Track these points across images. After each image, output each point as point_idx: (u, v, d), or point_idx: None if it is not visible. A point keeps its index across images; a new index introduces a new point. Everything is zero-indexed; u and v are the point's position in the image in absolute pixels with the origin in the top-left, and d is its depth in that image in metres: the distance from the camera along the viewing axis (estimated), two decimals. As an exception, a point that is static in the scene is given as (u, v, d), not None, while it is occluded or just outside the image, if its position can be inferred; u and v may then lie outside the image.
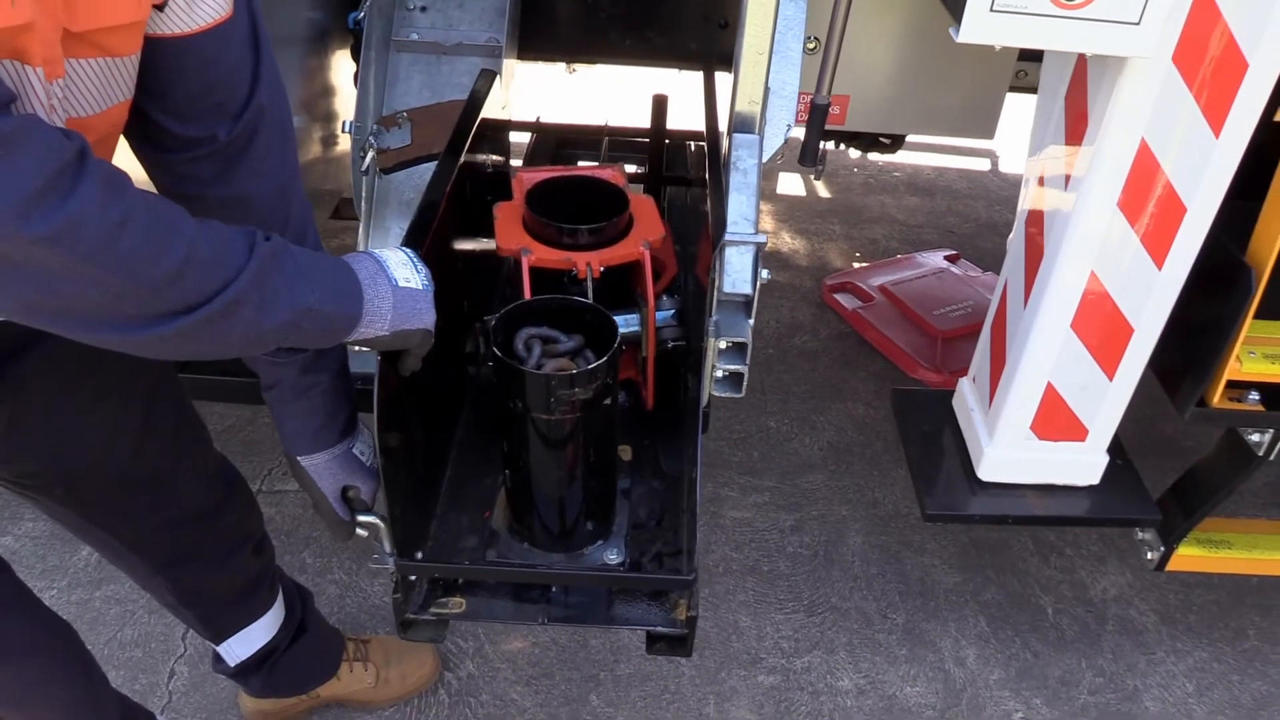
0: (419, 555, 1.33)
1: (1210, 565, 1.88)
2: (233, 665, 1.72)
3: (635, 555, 1.37)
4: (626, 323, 1.45)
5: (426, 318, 1.11)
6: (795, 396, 2.74)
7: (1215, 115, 1.39)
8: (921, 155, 3.88)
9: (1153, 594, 2.29)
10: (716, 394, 1.60)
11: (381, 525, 1.28)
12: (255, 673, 1.74)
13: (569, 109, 3.66)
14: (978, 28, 1.25)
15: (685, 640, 1.31)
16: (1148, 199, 1.47)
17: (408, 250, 1.14)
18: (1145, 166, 1.44)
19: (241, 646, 1.70)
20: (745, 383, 1.76)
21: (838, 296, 3.07)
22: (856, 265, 3.26)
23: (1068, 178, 1.53)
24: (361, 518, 1.32)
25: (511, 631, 2.07)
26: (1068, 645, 2.16)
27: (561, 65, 3.10)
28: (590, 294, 1.39)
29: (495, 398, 1.27)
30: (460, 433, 1.57)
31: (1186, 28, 1.31)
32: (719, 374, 1.56)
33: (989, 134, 2.07)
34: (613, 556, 1.36)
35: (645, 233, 1.48)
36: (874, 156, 3.80)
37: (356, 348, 1.11)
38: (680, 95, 2.09)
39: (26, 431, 1.20)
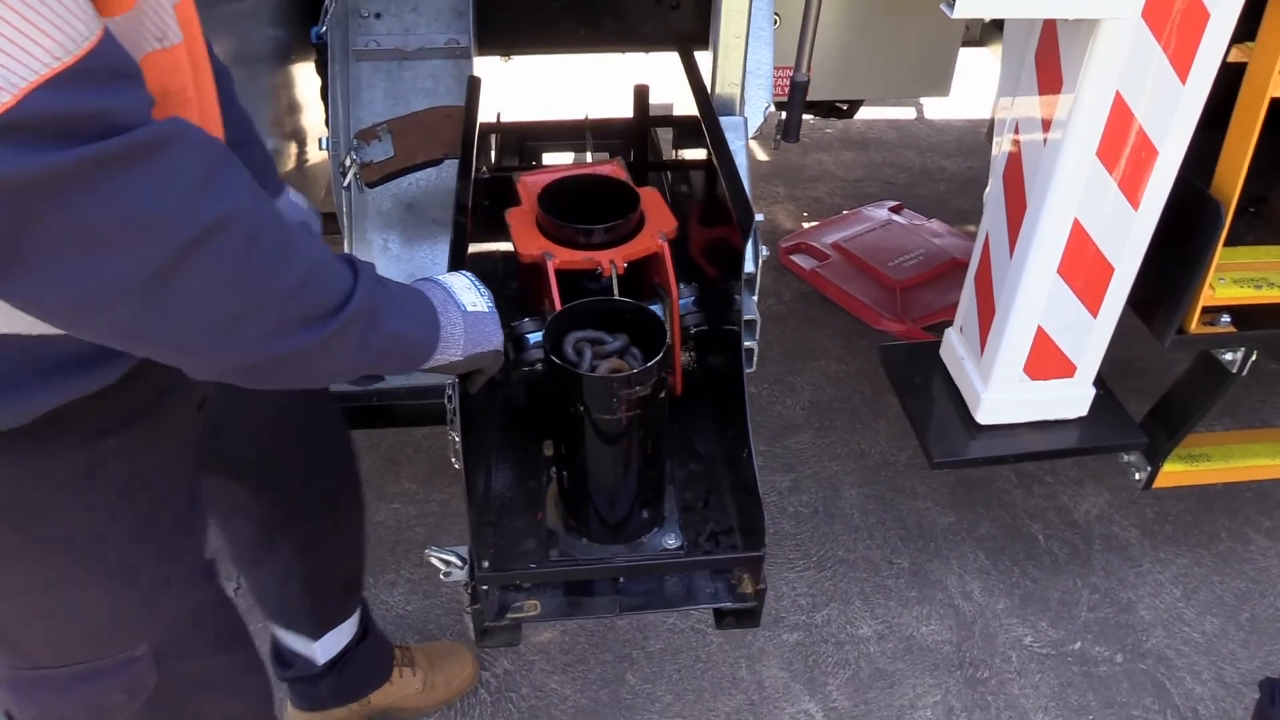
0: (485, 564, 1.36)
1: (1192, 478, 2.02)
2: (321, 663, 1.71)
3: (691, 537, 1.42)
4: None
5: (495, 339, 1.14)
6: (770, 360, 2.82)
7: (1182, 64, 1.49)
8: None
9: (1131, 510, 2.44)
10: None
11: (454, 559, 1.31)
12: (327, 676, 1.74)
13: (519, 102, 3.64)
14: (972, 1, 1.32)
15: (755, 612, 1.37)
16: (1123, 146, 1.57)
17: (468, 274, 1.16)
18: (1120, 117, 1.54)
19: (334, 642, 1.71)
20: (755, 357, 1.82)
21: (794, 258, 3.15)
22: (806, 225, 3.34)
23: (1045, 134, 1.61)
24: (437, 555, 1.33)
25: (539, 624, 2.11)
26: (1062, 568, 2.29)
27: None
28: (616, 290, 1.43)
29: (548, 402, 1.31)
30: (492, 436, 1.59)
31: (1154, -16, 1.40)
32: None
33: (945, 91, 2.15)
34: (671, 541, 1.41)
35: (659, 224, 1.51)
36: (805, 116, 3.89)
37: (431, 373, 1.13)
38: (626, 80, 2.11)
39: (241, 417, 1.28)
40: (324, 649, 1.71)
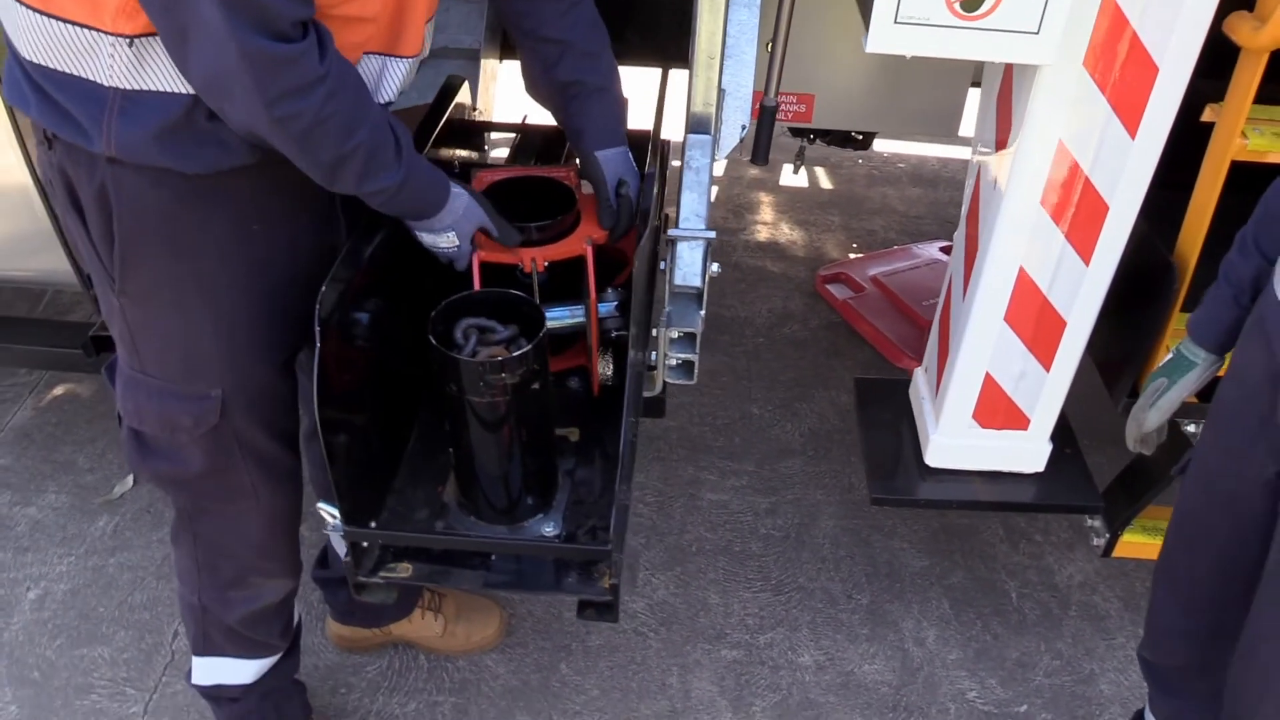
0: (373, 524, 1.45)
1: (1154, 552, 1.93)
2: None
3: (571, 529, 1.47)
4: (573, 314, 1.55)
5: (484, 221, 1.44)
6: (780, 384, 2.82)
7: (1130, 117, 1.45)
8: (928, 146, 3.92)
9: (1119, 581, 2.34)
10: (670, 380, 1.70)
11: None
12: (344, 586, 1.86)
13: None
14: (884, 38, 1.33)
15: (611, 606, 1.41)
16: (1070, 197, 1.54)
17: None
18: (1065, 166, 1.51)
19: None
20: (695, 370, 1.86)
21: (830, 287, 3.14)
22: (852, 256, 3.32)
23: (995, 179, 1.60)
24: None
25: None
26: (1028, 628, 2.22)
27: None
28: (536, 289, 1.49)
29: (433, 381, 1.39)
30: (424, 410, 1.68)
31: (1095, 34, 1.38)
32: (672, 362, 1.66)
33: (951, 133, 2.12)
34: (549, 529, 1.46)
35: (591, 230, 1.57)
36: (880, 147, 3.86)
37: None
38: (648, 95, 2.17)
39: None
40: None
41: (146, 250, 1.29)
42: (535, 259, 1.51)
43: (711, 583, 2.28)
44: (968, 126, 2.35)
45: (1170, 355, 1.48)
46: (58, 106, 1.19)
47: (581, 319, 1.55)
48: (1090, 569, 2.36)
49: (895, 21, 1.31)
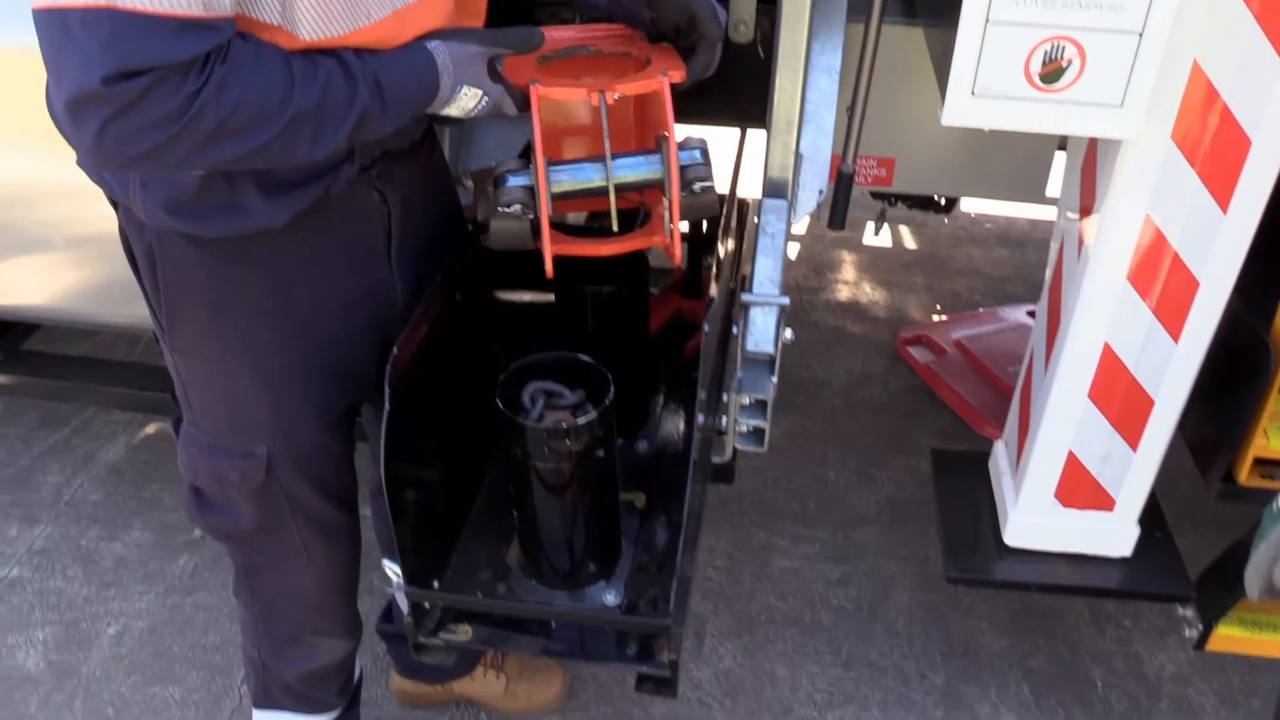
0: (435, 584, 1.45)
1: (1254, 648, 1.81)
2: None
3: (633, 598, 1.45)
4: (647, 163, 1.30)
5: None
6: (857, 449, 2.76)
7: (1221, 191, 1.39)
8: (1017, 207, 3.83)
9: (1215, 675, 2.20)
10: (740, 448, 1.67)
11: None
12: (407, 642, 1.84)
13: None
14: (960, 111, 1.30)
15: (670, 682, 1.38)
16: (1157, 272, 1.48)
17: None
18: (1152, 241, 1.45)
19: None
20: (766, 438, 1.83)
21: (911, 349, 3.08)
22: (935, 318, 3.25)
23: (1080, 248, 1.55)
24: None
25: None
26: (1115, 720, 2.11)
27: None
28: (605, 127, 1.27)
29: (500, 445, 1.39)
30: (492, 469, 1.68)
31: (1183, 106, 1.33)
32: (742, 428, 1.64)
33: (1038, 197, 2.07)
34: (611, 598, 1.45)
35: (666, 65, 1.31)
36: (967, 206, 3.80)
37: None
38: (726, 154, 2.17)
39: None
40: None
41: (190, 308, 1.30)
42: (604, 90, 1.24)
43: (780, 654, 2.22)
44: (1055, 188, 2.29)
45: None
46: (110, 178, 1.23)
47: (658, 169, 1.29)
48: (1183, 659, 2.23)
49: (972, 94, 1.28)
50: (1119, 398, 1.60)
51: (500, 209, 1.25)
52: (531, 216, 1.25)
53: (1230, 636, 1.80)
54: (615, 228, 1.33)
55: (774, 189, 1.86)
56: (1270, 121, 1.32)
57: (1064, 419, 1.64)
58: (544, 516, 1.41)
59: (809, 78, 1.71)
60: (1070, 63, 1.24)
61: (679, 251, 1.35)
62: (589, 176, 1.28)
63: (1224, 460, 1.59)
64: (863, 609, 2.33)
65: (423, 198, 1.44)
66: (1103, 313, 1.53)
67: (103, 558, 2.46)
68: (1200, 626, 1.81)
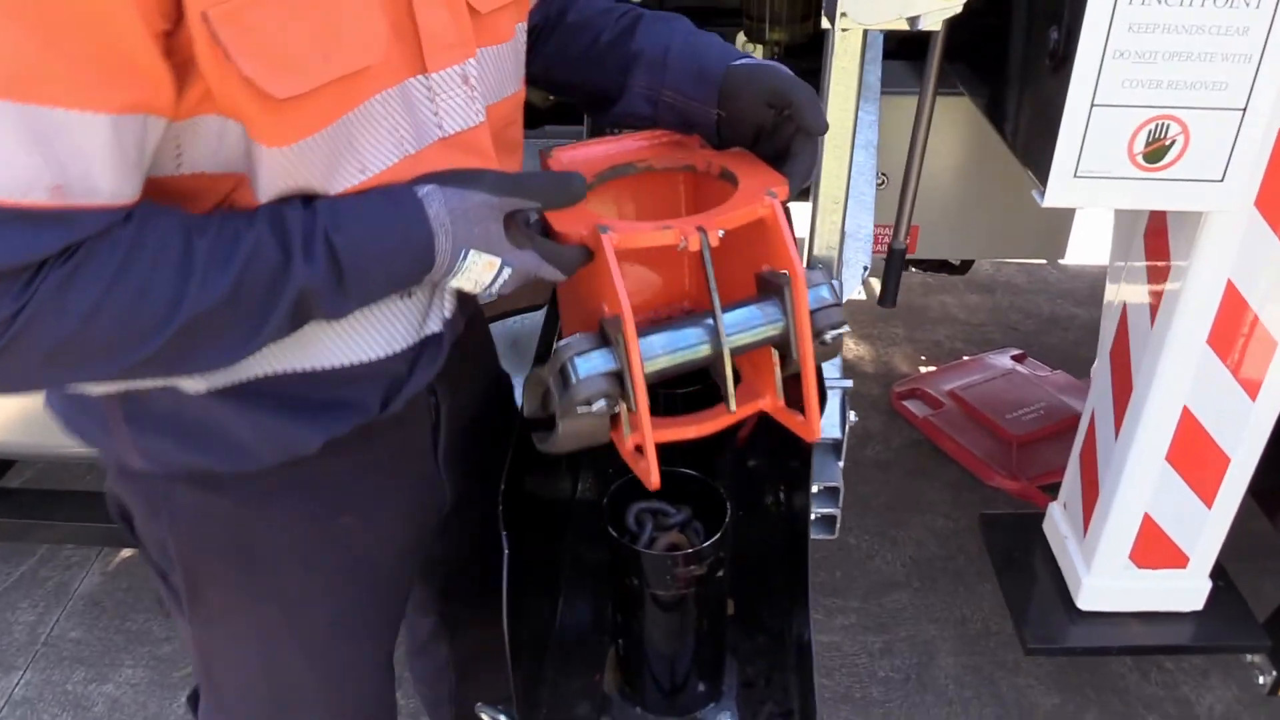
0: (540, 724, 1.35)
1: (1327, 690, 1.83)
2: None
3: (748, 717, 1.37)
4: (764, 314, 0.94)
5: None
6: (872, 511, 2.73)
7: (1301, 251, 1.41)
8: (978, 252, 3.91)
9: (1263, 710, 2.21)
10: (814, 537, 1.62)
11: None
12: None
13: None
14: (1063, 192, 1.29)
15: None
16: (1238, 336, 1.49)
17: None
18: (1234, 305, 1.46)
19: None
20: (838, 525, 1.78)
21: (907, 403, 3.08)
22: (923, 369, 3.27)
23: (1153, 315, 1.55)
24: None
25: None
26: (1177, 769, 2.09)
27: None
28: (710, 270, 0.93)
29: (606, 572, 1.30)
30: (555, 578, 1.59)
31: (1268, 174, 1.34)
32: (811, 516, 1.58)
33: (1059, 254, 2.10)
34: (725, 719, 1.37)
35: (760, 181, 0.97)
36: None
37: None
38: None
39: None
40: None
41: (216, 569, 1.05)
42: (704, 228, 0.90)
43: (832, 735, 2.16)
44: (1074, 246, 2.33)
45: None
46: (73, 422, 0.98)
47: (779, 321, 0.94)
48: (1229, 696, 2.24)
49: (1075, 175, 1.27)
50: (1196, 458, 1.61)
51: (579, 408, 0.88)
52: (616, 410, 0.91)
53: (1304, 681, 1.81)
54: (732, 406, 0.96)
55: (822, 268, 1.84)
56: (1349, 185, 1.34)
57: (1141, 482, 1.63)
58: (654, 641, 1.33)
59: (852, 158, 1.69)
60: (1174, 141, 1.23)
61: (818, 426, 0.98)
62: (692, 344, 0.93)
63: (1301, 511, 1.61)
64: (910, 678, 2.28)
65: (469, 370, 1.16)
66: (1183, 377, 1.53)
67: (94, 702, 2.25)
68: (1274, 673, 1.81)
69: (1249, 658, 1.85)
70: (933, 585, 2.51)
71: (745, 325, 0.94)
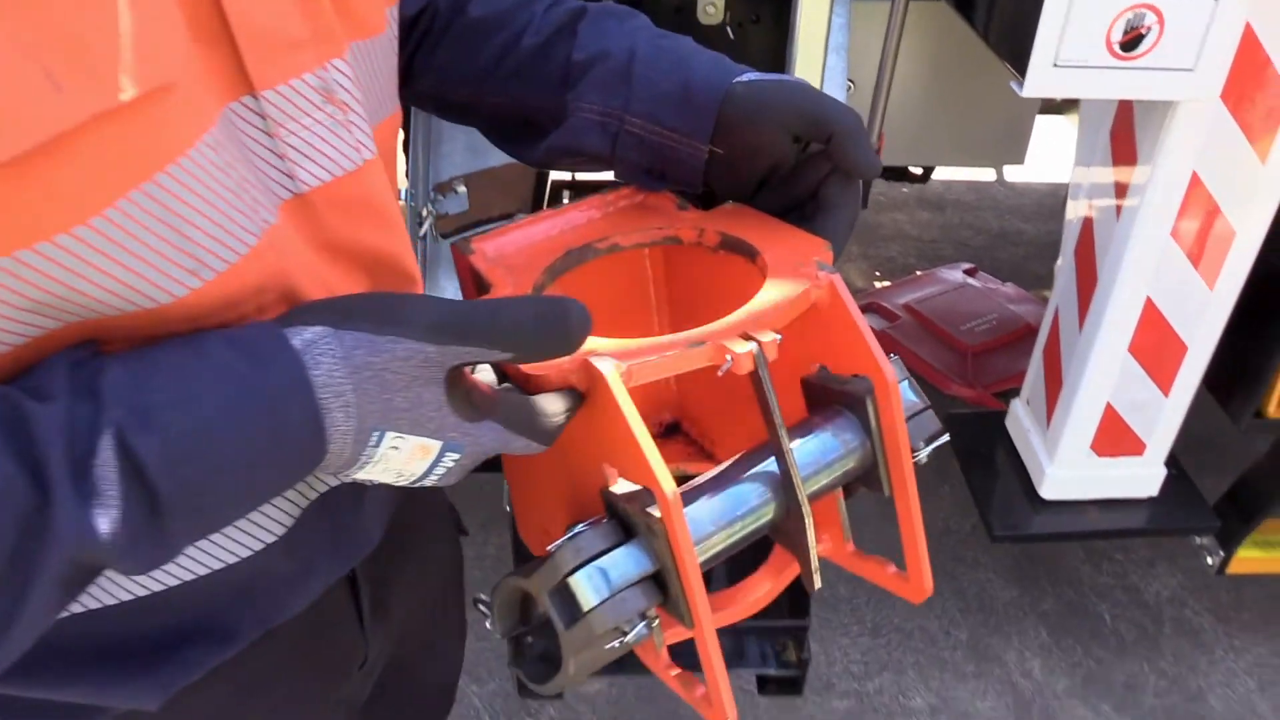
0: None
1: (1270, 566, 1.95)
2: None
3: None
4: (839, 439, 0.66)
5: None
6: (835, 420, 2.80)
7: (1262, 145, 1.46)
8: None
9: (1205, 594, 2.35)
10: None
11: None
12: None
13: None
14: (1041, 81, 1.32)
15: (798, 681, 1.36)
16: (1199, 226, 1.54)
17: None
18: (1197, 197, 1.51)
19: None
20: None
21: (865, 317, 3.13)
22: (878, 285, 3.32)
23: (1119, 210, 1.60)
24: None
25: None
26: (1128, 650, 2.22)
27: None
28: (773, 400, 0.61)
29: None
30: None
31: (1234, 67, 1.38)
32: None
33: (1019, 159, 2.14)
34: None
35: (799, 252, 0.68)
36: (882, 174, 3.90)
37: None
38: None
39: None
40: None
41: None
42: (753, 334, 0.59)
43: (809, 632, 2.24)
44: (1033, 151, 2.38)
45: None
46: None
47: (860, 447, 0.67)
48: (1175, 583, 2.37)
49: (1055, 65, 1.30)
50: (1155, 347, 1.67)
51: (607, 645, 0.57)
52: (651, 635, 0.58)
53: (1248, 559, 1.92)
54: (817, 583, 0.69)
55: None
56: (1311, 76, 1.39)
57: (1104, 373, 1.70)
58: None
59: (825, 63, 1.70)
60: (1150, 29, 1.27)
61: (929, 580, 0.73)
62: (753, 506, 0.62)
63: (1254, 398, 1.69)
64: (877, 577, 2.37)
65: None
66: (1145, 268, 1.58)
67: None
68: (1221, 554, 1.92)
69: (1198, 540, 1.96)
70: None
71: (820, 463, 0.64)
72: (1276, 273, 1.62)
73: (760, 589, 0.69)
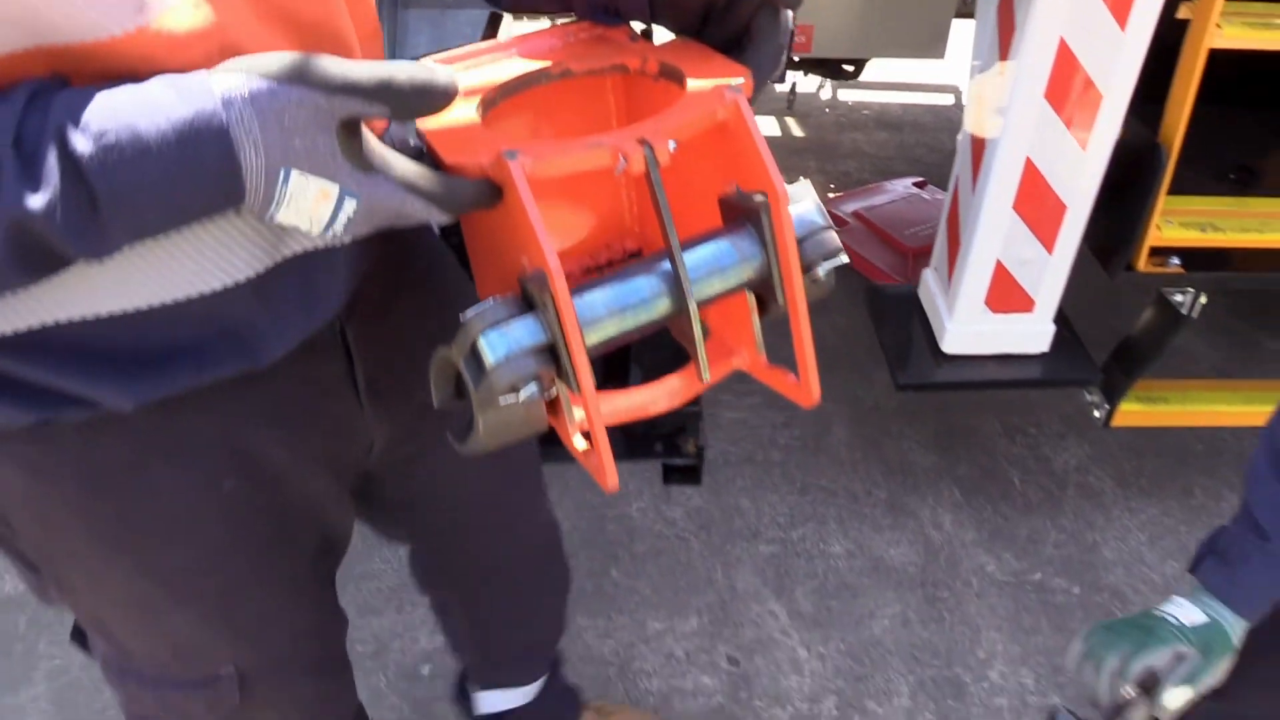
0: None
1: (1149, 419, 2.14)
2: (479, 713, 1.59)
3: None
4: (736, 250, 0.73)
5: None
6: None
7: (1120, 12, 1.64)
8: (891, 94, 4.13)
9: (1109, 463, 2.55)
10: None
11: None
12: None
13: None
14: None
15: (696, 470, 1.56)
16: (1070, 89, 1.72)
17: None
18: (1065, 61, 1.69)
19: (498, 699, 1.57)
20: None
21: (816, 224, 3.31)
22: (831, 195, 3.50)
23: (1000, 78, 1.78)
24: None
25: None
26: (1034, 509, 2.43)
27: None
28: (664, 200, 0.69)
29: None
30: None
31: (1090, -63, 1.56)
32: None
33: (940, 54, 2.31)
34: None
35: (717, 74, 0.74)
36: (844, 96, 4.06)
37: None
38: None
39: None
40: (484, 700, 1.58)
41: (69, 550, 0.91)
42: (649, 140, 0.67)
43: (741, 489, 2.45)
44: (952, 49, 2.55)
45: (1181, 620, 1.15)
46: None
47: (757, 257, 0.74)
48: (1082, 453, 2.58)
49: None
50: (1038, 206, 1.86)
51: (502, 399, 0.65)
52: (553, 393, 0.68)
53: (1131, 412, 2.12)
54: (706, 375, 0.77)
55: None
56: (1158, -53, 1.56)
57: (993, 229, 1.89)
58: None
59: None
60: (1005, -106, 1.44)
61: (816, 387, 0.80)
62: (646, 298, 0.70)
63: (1126, 253, 1.87)
64: (807, 444, 2.58)
65: (388, 275, 0.96)
66: (1025, 129, 1.77)
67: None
68: (1106, 407, 2.12)
69: (1088, 396, 2.15)
70: (832, 371, 2.79)
71: (714, 267, 0.72)
72: (1146, 141, 1.80)
73: (672, 383, 0.77)
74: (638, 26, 0.85)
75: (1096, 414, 2.15)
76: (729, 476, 2.48)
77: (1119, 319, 2.23)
